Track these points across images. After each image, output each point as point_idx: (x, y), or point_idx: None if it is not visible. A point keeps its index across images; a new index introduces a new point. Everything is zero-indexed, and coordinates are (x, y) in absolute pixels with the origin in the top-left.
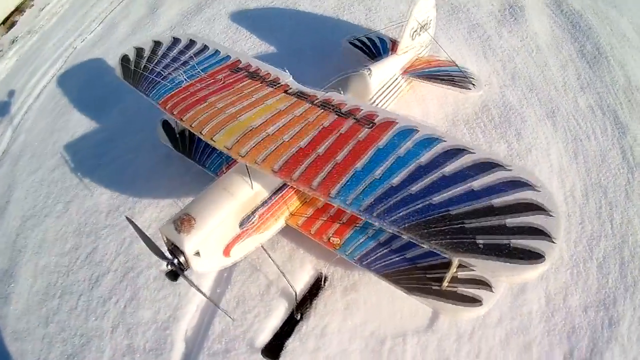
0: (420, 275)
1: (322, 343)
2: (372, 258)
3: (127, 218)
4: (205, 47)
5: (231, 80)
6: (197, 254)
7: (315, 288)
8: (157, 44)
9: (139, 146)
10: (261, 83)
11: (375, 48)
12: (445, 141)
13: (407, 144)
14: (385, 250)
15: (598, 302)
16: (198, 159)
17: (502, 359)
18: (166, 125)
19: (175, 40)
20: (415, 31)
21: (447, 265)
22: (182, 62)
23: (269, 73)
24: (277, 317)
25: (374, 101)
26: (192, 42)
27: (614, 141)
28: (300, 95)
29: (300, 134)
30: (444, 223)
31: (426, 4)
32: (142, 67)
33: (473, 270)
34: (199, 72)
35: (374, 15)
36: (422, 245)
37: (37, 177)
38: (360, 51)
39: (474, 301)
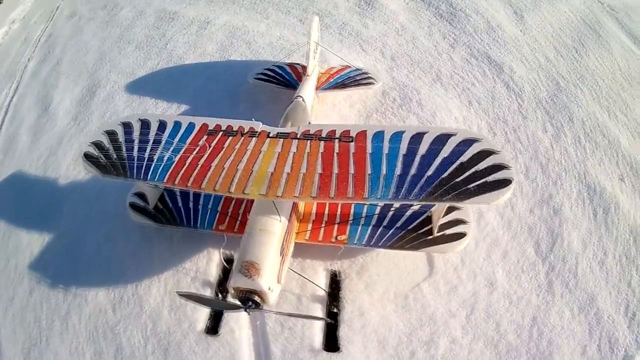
0: (414, 235)
1: (364, 320)
2: (375, 238)
3: (179, 293)
4: (162, 123)
5: (215, 143)
6: (270, 289)
7: (335, 282)
8: (110, 133)
9: (110, 237)
10: (242, 136)
11: (281, 76)
12: (405, 131)
13: (385, 143)
14: (380, 229)
15: (538, 201)
16: (186, 223)
17: (491, 270)
18: (135, 207)
19: (126, 125)
20: (314, 52)
21: (429, 220)
22: (152, 141)
23: (241, 126)
24: None
25: (310, 121)
26: (144, 122)
27: (495, 78)
28: (283, 135)
29: (311, 164)
30: (444, 185)
31: (315, 27)
32: (115, 157)
33: (448, 215)
34: (179, 145)
35: (255, 45)
36: (443, 203)
37: (16, 307)
38: (269, 82)
39: (461, 235)
